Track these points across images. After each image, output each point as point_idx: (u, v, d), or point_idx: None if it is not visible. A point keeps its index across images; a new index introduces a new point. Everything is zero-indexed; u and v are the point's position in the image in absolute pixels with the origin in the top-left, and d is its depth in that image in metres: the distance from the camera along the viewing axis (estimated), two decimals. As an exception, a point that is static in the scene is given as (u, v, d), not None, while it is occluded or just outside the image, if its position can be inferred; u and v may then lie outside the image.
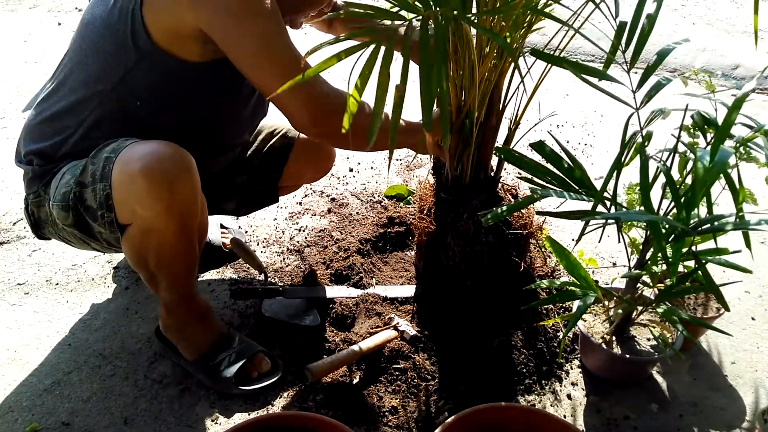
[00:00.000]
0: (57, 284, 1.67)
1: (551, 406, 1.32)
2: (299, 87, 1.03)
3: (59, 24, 3.77)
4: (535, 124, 1.56)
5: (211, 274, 1.71)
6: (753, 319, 1.58)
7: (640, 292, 1.29)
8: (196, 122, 1.32)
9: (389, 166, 1.16)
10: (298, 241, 1.84)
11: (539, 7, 1.15)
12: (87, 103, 1.23)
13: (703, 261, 1.05)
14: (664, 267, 1.20)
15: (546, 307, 1.52)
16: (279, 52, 1.16)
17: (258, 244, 1.84)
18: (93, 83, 1.22)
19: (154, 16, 1.14)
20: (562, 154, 1.15)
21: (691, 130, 1.20)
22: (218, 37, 1.14)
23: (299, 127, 1.28)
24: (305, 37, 3.75)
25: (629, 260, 1.29)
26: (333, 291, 1.57)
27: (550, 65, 1.29)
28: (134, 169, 1.09)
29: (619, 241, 1.23)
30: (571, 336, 1.47)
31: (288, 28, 1.31)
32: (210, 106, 1.31)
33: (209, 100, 1.30)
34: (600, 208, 1.12)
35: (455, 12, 0.95)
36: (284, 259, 1.77)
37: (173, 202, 1.13)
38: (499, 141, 1.44)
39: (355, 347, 1.35)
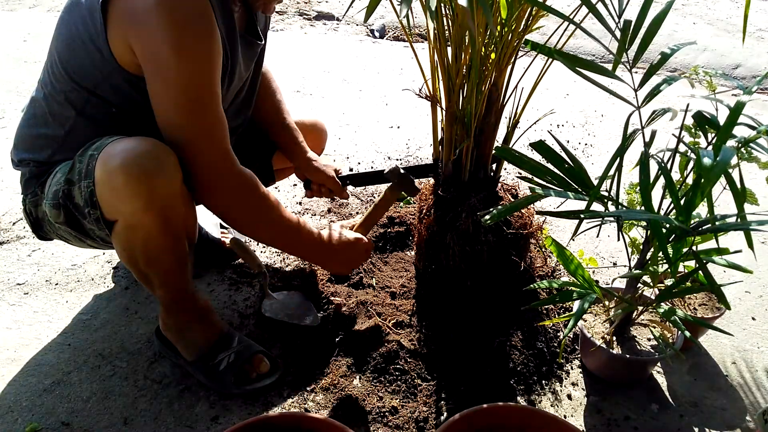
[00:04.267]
0: (57, 284, 1.67)
1: (551, 406, 1.32)
2: (207, 137, 1.17)
3: (59, 24, 3.77)
4: (534, 122, 1.56)
5: (211, 274, 1.71)
6: (753, 319, 1.58)
7: (640, 292, 1.29)
8: None
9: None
10: (298, 241, 1.84)
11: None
12: (68, 113, 1.24)
13: (704, 261, 1.05)
14: (665, 267, 1.20)
15: (546, 307, 1.52)
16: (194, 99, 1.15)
17: (258, 244, 1.84)
18: (68, 93, 1.23)
19: (113, 39, 1.13)
20: (563, 154, 1.14)
21: (693, 130, 1.20)
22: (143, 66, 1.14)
23: (198, 184, 1.23)
24: (305, 37, 3.75)
25: (629, 260, 1.29)
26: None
27: (548, 64, 1.30)
28: (114, 166, 1.10)
29: (619, 240, 1.23)
30: (571, 336, 1.47)
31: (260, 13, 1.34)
32: None
33: None
34: (600, 207, 1.12)
35: None
36: (284, 258, 1.77)
37: (152, 197, 1.13)
38: (498, 140, 1.44)
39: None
